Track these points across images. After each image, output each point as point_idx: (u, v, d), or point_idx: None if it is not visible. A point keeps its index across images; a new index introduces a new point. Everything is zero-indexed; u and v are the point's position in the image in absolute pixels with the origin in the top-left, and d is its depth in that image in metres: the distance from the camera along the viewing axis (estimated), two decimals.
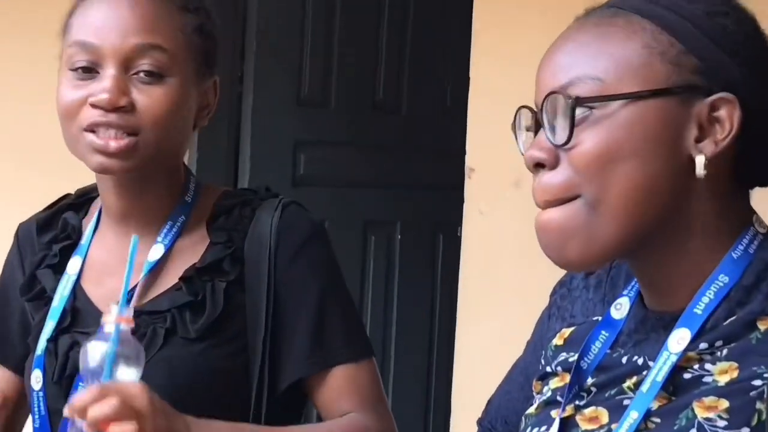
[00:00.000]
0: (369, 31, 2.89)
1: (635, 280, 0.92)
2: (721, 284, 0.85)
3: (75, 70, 1.06)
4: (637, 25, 0.86)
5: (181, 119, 1.08)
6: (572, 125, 0.83)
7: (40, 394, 1.09)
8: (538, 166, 0.85)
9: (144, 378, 0.98)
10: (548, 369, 0.96)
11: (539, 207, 0.86)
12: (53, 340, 1.08)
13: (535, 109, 0.87)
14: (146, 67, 1.04)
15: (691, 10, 0.86)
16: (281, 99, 2.54)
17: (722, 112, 0.83)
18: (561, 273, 0.99)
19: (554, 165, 0.85)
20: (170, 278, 1.09)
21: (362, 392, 1.12)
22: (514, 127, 0.90)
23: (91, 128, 1.03)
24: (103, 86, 1.03)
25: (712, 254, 0.86)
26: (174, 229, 1.10)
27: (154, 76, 1.05)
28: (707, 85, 0.84)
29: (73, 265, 1.12)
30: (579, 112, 0.83)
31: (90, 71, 1.05)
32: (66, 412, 0.92)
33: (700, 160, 0.83)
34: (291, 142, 2.57)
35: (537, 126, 0.87)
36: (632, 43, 0.85)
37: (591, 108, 0.83)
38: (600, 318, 0.94)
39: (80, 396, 0.94)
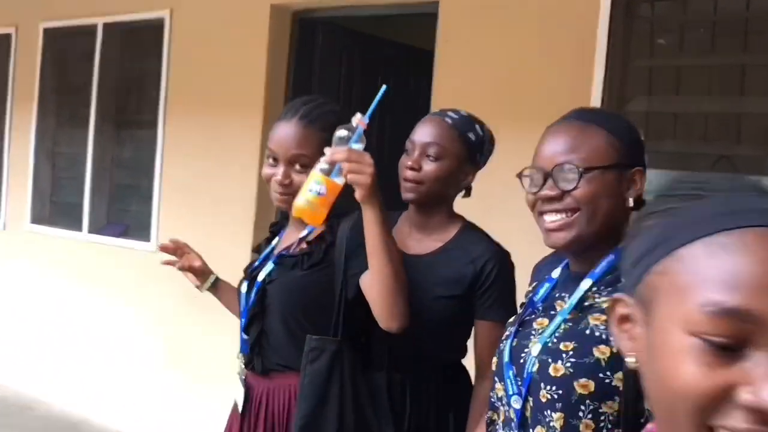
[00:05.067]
0: None
1: (565, 261, 1.34)
2: (610, 259, 1.23)
3: (269, 158, 1.78)
4: (596, 129, 1.26)
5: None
6: (579, 179, 1.23)
7: (243, 294, 1.85)
8: (548, 200, 1.25)
9: (279, 288, 1.64)
10: (523, 300, 1.41)
11: (541, 216, 1.26)
12: (256, 269, 1.85)
13: (527, 173, 1.28)
14: (297, 165, 1.73)
15: (618, 123, 1.29)
16: None
17: (637, 177, 1.26)
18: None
19: (560, 199, 1.24)
20: (304, 245, 1.79)
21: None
22: (519, 176, 1.31)
23: (274, 189, 1.77)
24: (278, 175, 1.74)
25: (614, 245, 1.23)
26: (310, 227, 1.76)
27: (301, 168, 1.72)
28: (631, 163, 1.26)
29: (273, 242, 1.92)
30: (580, 173, 1.23)
31: (274, 160, 1.76)
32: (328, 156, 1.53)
33: (629, 199, 1.27)
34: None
35: (533, 177, 1.26)
36: (597, 139, 1.25)
37: (584, 173, 1.24)
38: (546, 278, 1.38)
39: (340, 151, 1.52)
